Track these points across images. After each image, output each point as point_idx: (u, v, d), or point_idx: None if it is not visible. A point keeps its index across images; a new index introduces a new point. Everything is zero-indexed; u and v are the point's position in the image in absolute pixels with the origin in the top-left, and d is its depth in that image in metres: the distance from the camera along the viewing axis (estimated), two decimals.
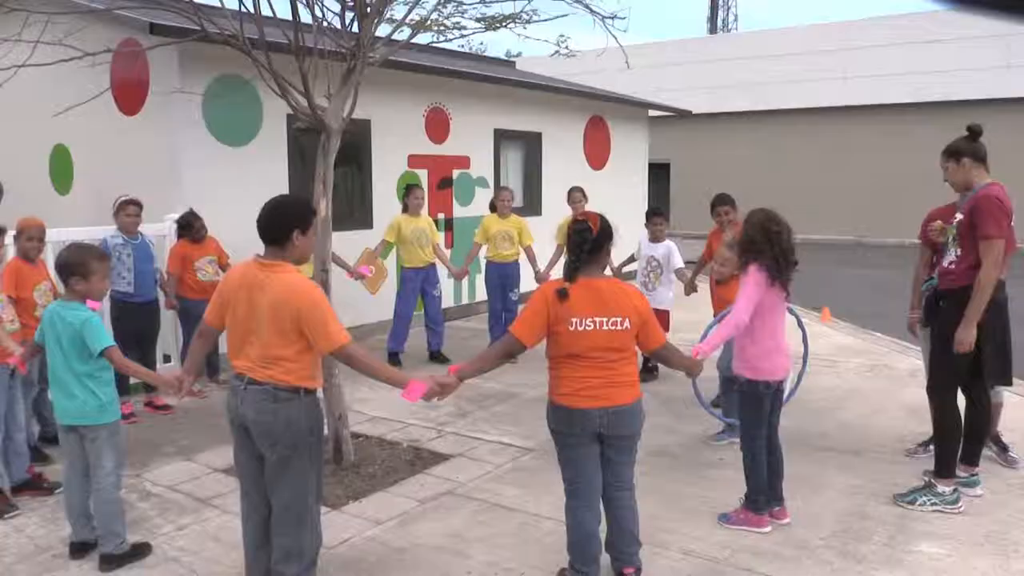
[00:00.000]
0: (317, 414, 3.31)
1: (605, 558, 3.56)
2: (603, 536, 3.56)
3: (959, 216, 4.35)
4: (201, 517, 4.38)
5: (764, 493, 4.15)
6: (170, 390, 3.65)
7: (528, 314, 3.39)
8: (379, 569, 3.77)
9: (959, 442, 4.48)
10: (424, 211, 8.20)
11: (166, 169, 7.44)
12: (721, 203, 6.25)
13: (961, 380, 4.46)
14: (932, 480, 4.44)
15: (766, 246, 4.01)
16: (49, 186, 8.72)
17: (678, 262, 7.05)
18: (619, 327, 3.33)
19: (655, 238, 7.17)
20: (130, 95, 7.64)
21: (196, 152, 7.41)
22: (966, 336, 4.20)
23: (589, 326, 3.30)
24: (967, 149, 4.36)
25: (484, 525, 4.25)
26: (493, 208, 8.24)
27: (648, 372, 7.07)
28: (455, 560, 3.86)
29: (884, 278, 14.72)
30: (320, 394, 3.45)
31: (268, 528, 3.37)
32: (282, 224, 3.21)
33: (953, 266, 4.37)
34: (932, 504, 4.35)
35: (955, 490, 4.40)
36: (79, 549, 3.90)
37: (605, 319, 3.31)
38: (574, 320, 3.30)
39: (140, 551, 3.89)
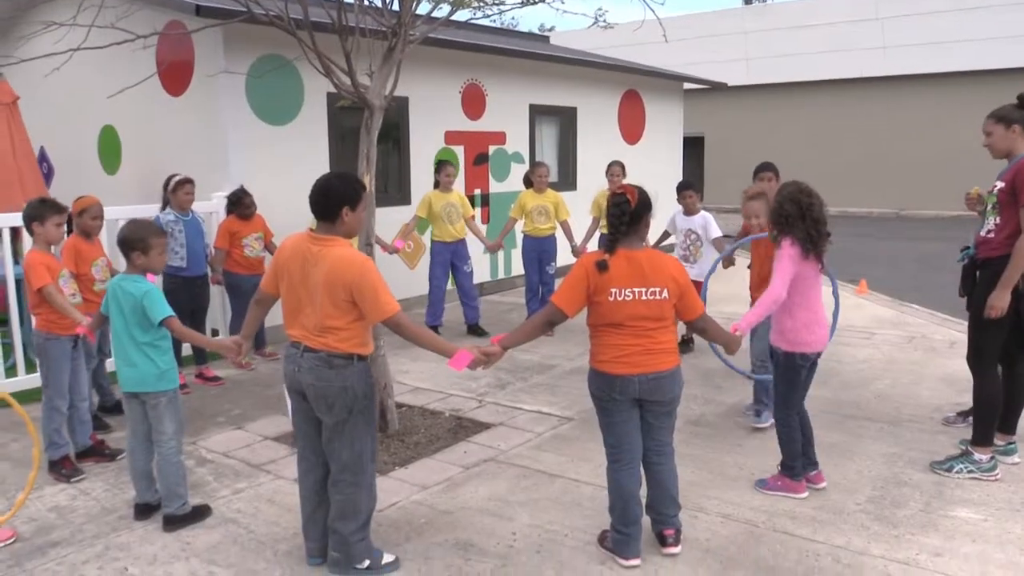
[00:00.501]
0: (370, 379, 3.46)
1: (646, 520, 3.68)
2: (643, 500, 3.68)
3: (999, 184, 4.34)
4: (256, 482, 4.58)
5: (799, 459, 4.23)
6: (230, 354, 3.85)
7: (569, 285, 3.49)
8: (428, 529, 3.94)
9: (998, 411, 4.52)
10: (456, 187, 8.28)
11: (211, 148, 7.63)
12: (763, 169, 6.26)
13: (1000, 350, 4.47)
14: (969, 448, 4.49)
15: (798, 220, 4.00)
16: (98, 166, 8.98)
17: (716, 231, 7.08)
18: (657, 297, 3.42)
19: (689, 211, 7.22)
20: (176, 76, 7.83)
21: (240, 131, 7.58)
22: (1000, 301, 4.21)
23: (628, 296, 3.41)
24: (1018, 116, 4.33)
25: (526, 490, 4.39)
26: (528, 183, 8.32)
27: (684, 344, 7.15)
28: (500, 522, 4.01)
29: (923, 250, 14.57)
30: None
31: (324, 488, 3.54)
32: (332, 200, 3.36)
33: (992, 235, 4.35)
34: (969, 471, 4.40)
35: (992, 458, 4.44)
36: (143, 511, 4.11)
37: (644, 289, 3.41)
38: (614, 290, 3.40)
39: (201, 512, 4.09)
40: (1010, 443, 4.63)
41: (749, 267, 5.68)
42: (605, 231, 7.95)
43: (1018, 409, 4.67)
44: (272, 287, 3.55)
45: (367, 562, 3.52)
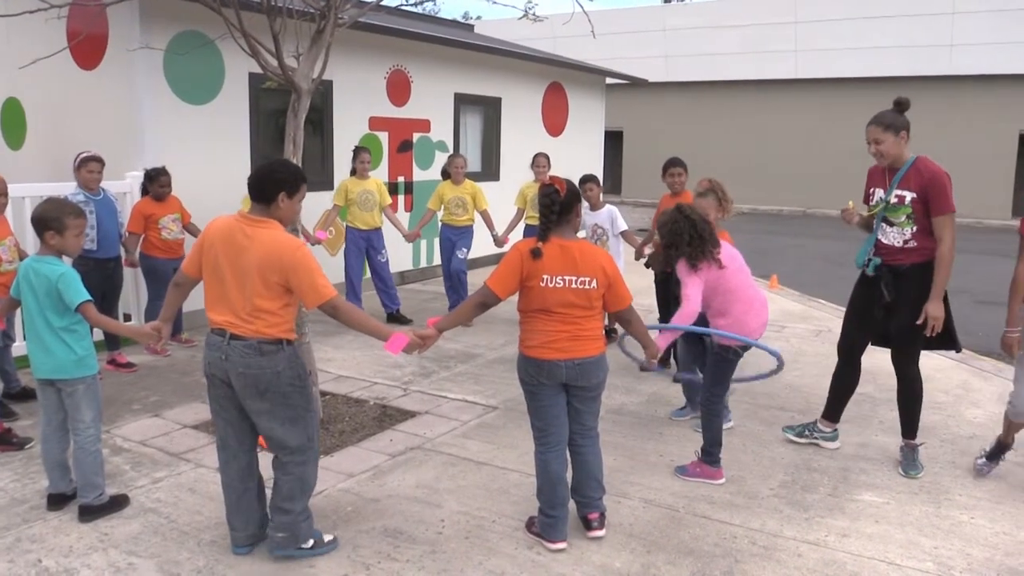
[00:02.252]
0: (300, 362, 3.45)
1: (572, 505, 3.77)
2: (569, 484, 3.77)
3: (908, 194, 4.34)
4: (176, 470, 4.47)
5: (719, 447, 4.40)
6: (150, 341, 3.75)
7: (503, 269, 3.57)
8: (355, 517, 3.93)
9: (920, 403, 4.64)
10: (378, 174, 8.20)
11: (125, 126, 7.35)
12: (673, 164, 6.43)
13: (849, 341, 4.80)
14: (911, 443, 4.62)
15: (681, 241, 4.14)
16: (0, 140, 8.52)
17: (622, 224, 7.18)
18: (587, 286, 3.53)
19: (593, 205, 7.23)
20: (88, 49, 7.49)
21: (156, 110, 7.32)
22: (938, 312, 4.29)
23: (559, 283, 3.50)
24: (904, 122, 4.39)
25: (453, 478, 4.43)
26: (446, 175, 8.27)
27: (607, 335, 7.29)
28: (428, 509, 4.04)
29: (829, 248, 15.25)
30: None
31: (249, 476, 3.54)
32: (271, 184, 3.33)
33: (914, 243, 4.38)
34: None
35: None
36: (56, 501, 3.96)
37: (574, 278, 3.51)
38: (545, 277, 3.50)
39: (118, 502, 3.97)
40: (834, 430, 4.94)
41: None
42: (530, 222, 8.07)
43: (846, 399, 4.91)
44: (194, 269, 3.47)
45: (311, 541, 3.55)
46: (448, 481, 4.39)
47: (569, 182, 3.63)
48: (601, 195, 7.33)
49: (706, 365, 4.53)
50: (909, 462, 4.60)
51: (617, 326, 7.35)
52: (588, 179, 7.32)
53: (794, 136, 23.52)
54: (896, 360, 4.62)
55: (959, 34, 21.29)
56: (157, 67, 7.25)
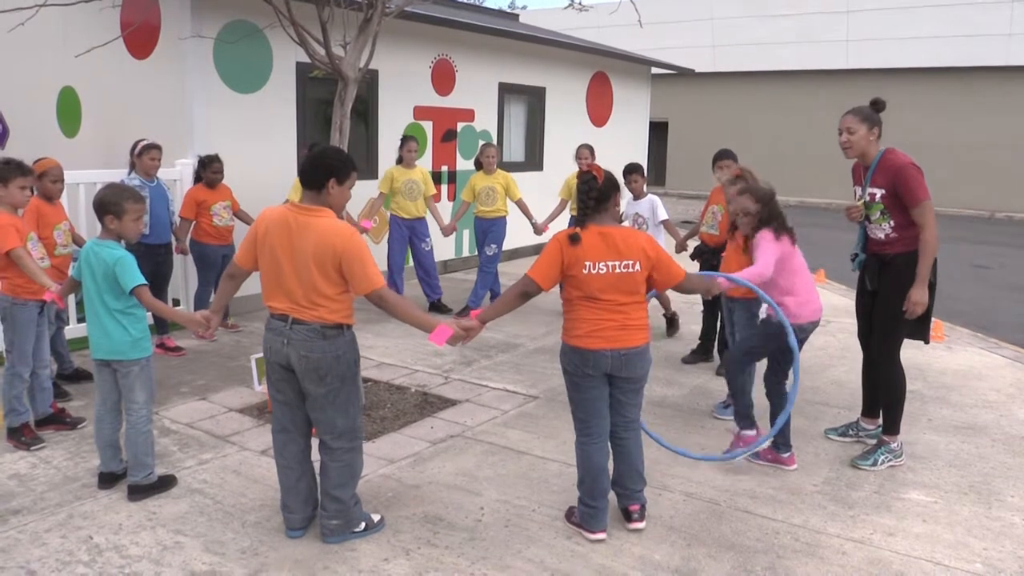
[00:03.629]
0: (357, 348, 3.51)
1: (612, 496, 3.76)
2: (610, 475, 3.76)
3: (877, 191, 4.43)
4: (221, 453, 4.55)
5: (750, 407, 4.55)
6: (199, 329, 3.82)
7: (544, 259, 3.56)
8: (396, 503, 3.97)
9: (904, 399, 4.62)
10: (423, 163, 8.21)
11: (175, 115, 7.49)
12: (723, 156, 6.35)
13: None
14: (883, 438, 4.59)
15: (776, 210, 4.41)
16: (56, 129, 8.74)
17: (663, 214, 7.17)
18: (630, 269, 3.51)
19: (637, 195, 7.27)
20: (141, 39, 7.64)
21: (207, 98, 7.45)
22: (922, 297, 4.33)
23: (602, 269, 3.49)
24: (878, 120, 4.51)
25: (493, 466, 4.45)
26: (479, 166, 8.24)
27: (670, 323, 7.27)
28: (467, 497, 4.06)
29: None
30: None
31: (306, 459, 3.60)
32: (321, 170, 3.38)
33: (896, 235, 4.42)
34: (888, 462, 4.52)
35: (900, 444, 4.62)
36: (107, 480, 4.07)
37: (617, 263, 3.50)
38: (588, 263, 3.49)
39: (166, 482, 4.07)
40: (878, 427, 4.79)
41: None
42: (574, 213, 8.02)
43: (879, 392, 4.77)
44: (248, 261, 3.52)
45: (363, 524, 3.61)
46: (488, 469, 4.40)
47: (608, 172, 3.63)
48: (645, 186, 7.30)
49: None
50: (870, 456, 4.54)
51: (675, 314, 7.42)
52: (633, 169, 7.31)
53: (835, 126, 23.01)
54: (875, 348, 4.64)
55: (1017, 23, 20.62)
56: (207, 56, 7.36)
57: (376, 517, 3.71)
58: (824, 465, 4.54)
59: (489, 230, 8.13)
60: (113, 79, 7.96)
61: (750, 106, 24.42)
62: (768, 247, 4.30)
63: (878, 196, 4.45)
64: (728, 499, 4.09)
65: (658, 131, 23.43)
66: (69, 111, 8.61)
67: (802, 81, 23.79)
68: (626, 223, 7.32)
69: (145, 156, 6.22)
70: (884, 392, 4.66)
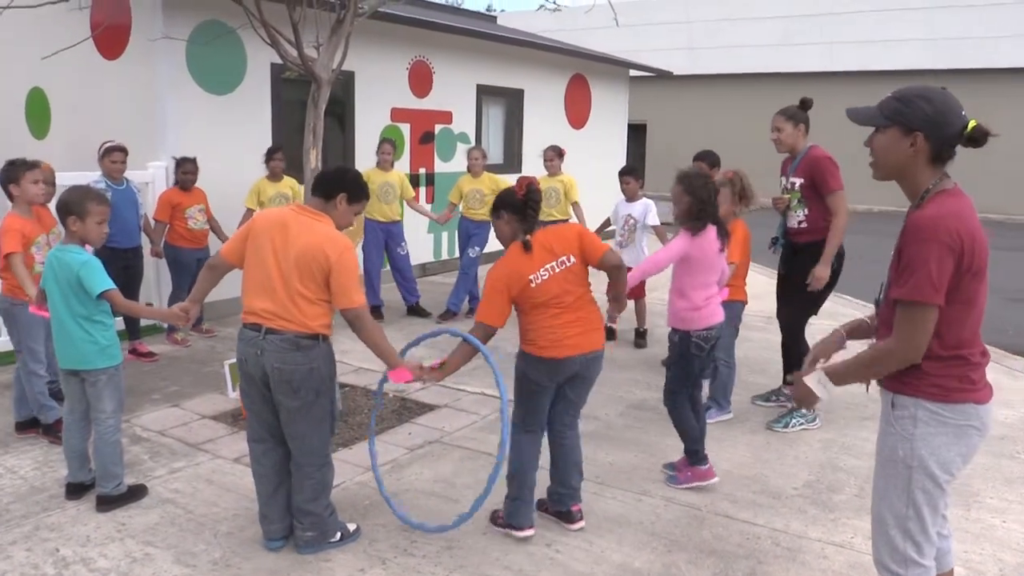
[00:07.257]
0: (333, 360, 3.45)
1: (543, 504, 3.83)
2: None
3: (797, 180, 5.02)
4: (193, 461, 4.46)
5: (700, 443, 4.23)
6: (178, 322, 3.74)
7: (487, 298, 3.53)
8: (372, 511, 3.90)
9: None
10: (401, 166, 8.14)
11: (147, 116, 7.36)
12: (701, 158, 6.31)
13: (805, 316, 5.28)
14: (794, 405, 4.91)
15: (707, 203, 4.12)
16: (25, 130, 8.58)
17: (654, 219, 7.12)
18: (568, 263, 3.53)
19: (630, 197, 7.20)
20: (111, 40, 7.51)
21: (179, 99, 7.33)
22: (823, 273, 4.89)
23: (545, 275, 3.50)
24: (805, 117, 5.12)
25: (472, 472, 4.38)
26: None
27: (641, 337, 7.23)
28: (445, 504, 4.00)
29: (855, 243, 14.98)
30: None
31: (284, 469, 3.52)
32: (337, 184, 3.42)
33: (806, 224, 5.04)
34: (800, 424, 5.03)
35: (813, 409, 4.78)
36: (75, 490, 3.97)
37: (555, 263, 3.51)
38: (531, 276, 3.49)
39: (136, 493, 3.97)
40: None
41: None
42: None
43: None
44: (235, 256, 3.44)
45: (339, 534, 3.55)
46: (467, 476, 4.34)
47: (530, 184, 3.59)
48: (639, 189, 7.24)
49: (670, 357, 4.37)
50: (782, 419, 5.05)
51: (616, 325, 7.36)
52: (627, 171, 7.29)
53: (824, 130, 23.15)
54: (782, 322, 5.28)
55: (994, 27, 20.87)
56: (179, 57, 7.25)
57: (352, 526, 3.64)
58: (804, 468, 4.52)
59: (474, 232, 8.08)
60: (83, 80, 7.82)
61: (728, 108, 24.49)
62: (673, 244, 4.15)
63: (797, 185, 5.05)
64: (709, 504, 4.05)
65: (637, 133, 23.44)
66: (38, 112, 8.45)
67: (779, 84, 23.88)
68: (617, 223, 7.28)
69: (107, 159, 6.11)
70: (790, 358, 5.18)
